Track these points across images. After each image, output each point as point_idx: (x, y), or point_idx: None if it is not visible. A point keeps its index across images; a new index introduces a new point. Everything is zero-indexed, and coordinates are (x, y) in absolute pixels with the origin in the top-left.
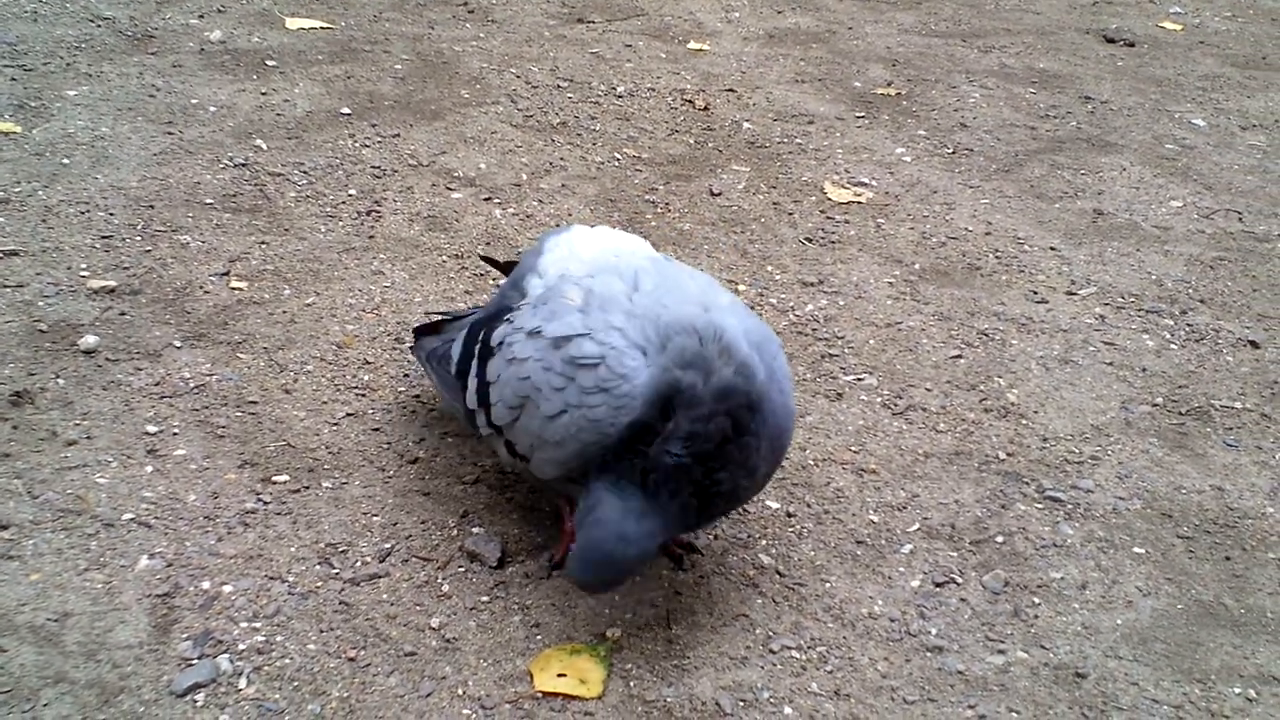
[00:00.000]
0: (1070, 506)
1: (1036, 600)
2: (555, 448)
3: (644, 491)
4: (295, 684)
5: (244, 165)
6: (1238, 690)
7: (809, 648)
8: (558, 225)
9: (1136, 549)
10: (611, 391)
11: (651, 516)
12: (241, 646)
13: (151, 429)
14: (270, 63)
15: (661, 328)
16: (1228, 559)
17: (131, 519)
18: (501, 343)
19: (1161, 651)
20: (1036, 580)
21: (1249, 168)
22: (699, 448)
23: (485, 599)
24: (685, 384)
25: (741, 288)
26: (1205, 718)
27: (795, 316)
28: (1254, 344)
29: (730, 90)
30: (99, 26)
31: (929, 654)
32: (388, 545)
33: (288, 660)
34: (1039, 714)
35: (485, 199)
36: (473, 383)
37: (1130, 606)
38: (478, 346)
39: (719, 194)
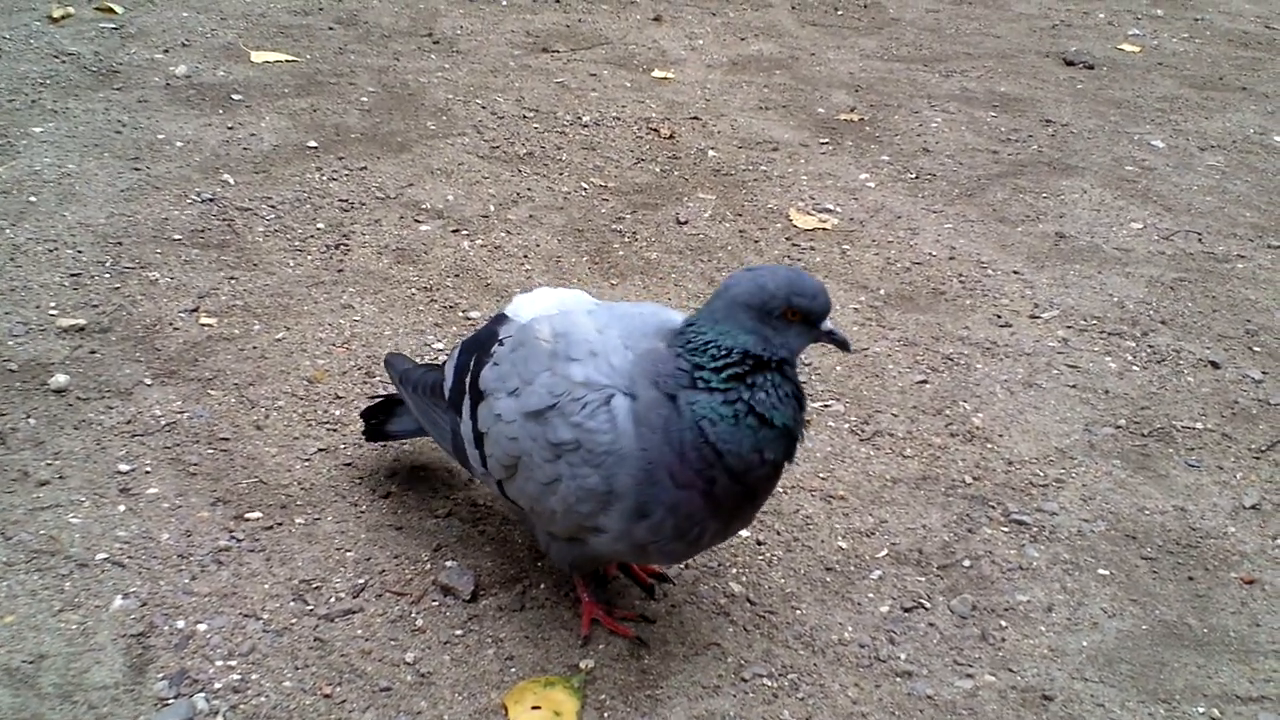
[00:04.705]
0: (1035, 529)
1: (1004, 623)
2: (561, 518)
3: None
4: None
5: (211, 200)
6: (1201, 710)
7: (780, 675)
8: (525, 256)
9: (1101, 570)
10: (601, 465)
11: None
12: (217, 685)
13: (124, 468)
14: (236, 97)
15: (630, 345)
16: (1191, 579)
17: (105, 559)
18: (487, 391)
19: (1127, 672)
20: (1003, 603)
21: (1208, 188)
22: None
23: (459, 632)
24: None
25: None
26: None
27: None
28: (1214, 364)
29: (695, 118)
30: (64, 63)
31: (898, 679)
32: (361, 580)
33: (263, 698)
34: None
35: (453, 231)
36: (468, 422)
37: (1096, 628)
38: (468, 379)
39: (685, 222)
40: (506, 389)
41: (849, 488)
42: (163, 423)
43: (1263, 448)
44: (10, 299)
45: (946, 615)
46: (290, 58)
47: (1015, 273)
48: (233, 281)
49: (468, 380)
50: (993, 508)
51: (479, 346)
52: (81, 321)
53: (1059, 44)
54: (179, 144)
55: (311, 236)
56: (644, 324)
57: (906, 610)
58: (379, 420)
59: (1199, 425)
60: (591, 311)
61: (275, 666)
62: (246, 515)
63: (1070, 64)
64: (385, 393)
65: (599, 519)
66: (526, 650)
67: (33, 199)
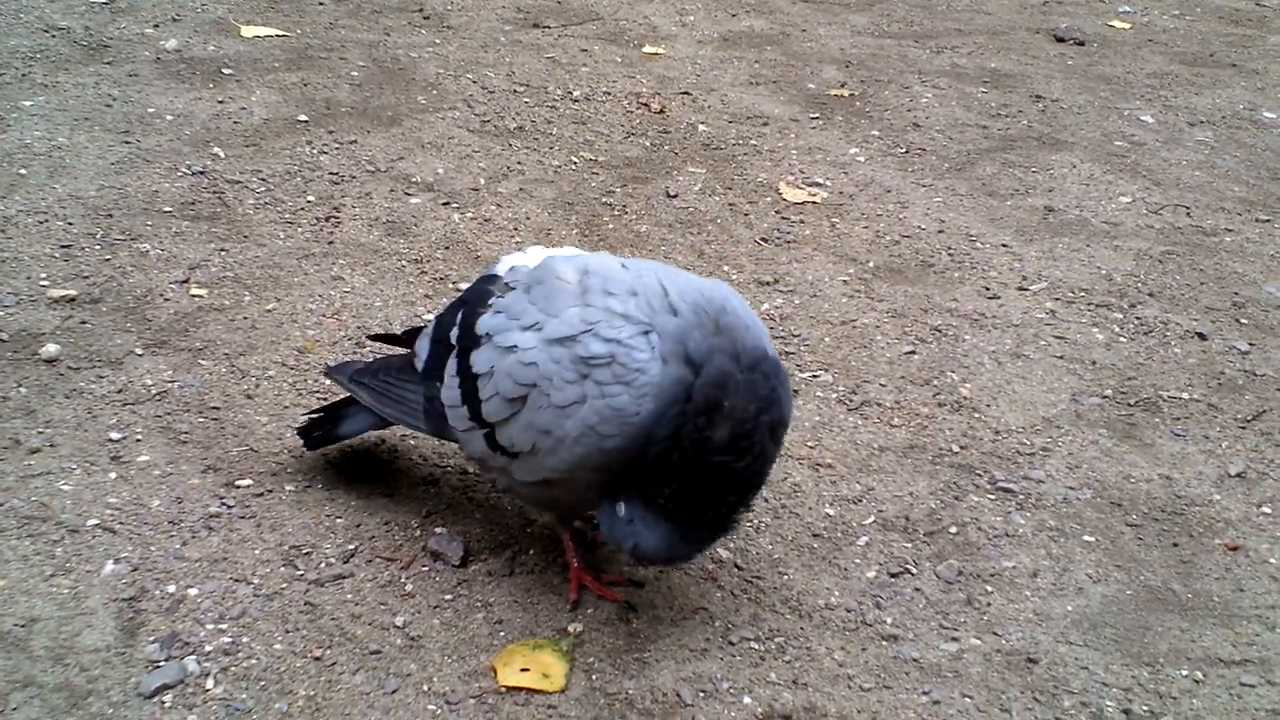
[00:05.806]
0: (1022, 497)
1: (989, 588)
2: (569, 446)
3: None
4: (262, 684)
5: (202, 173)
6: (1185, 672)
7: (767, 639)
8: (515, 228)
9: (1087, 537)
10: (632, 384)
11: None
12: (208, 648)
13: (114, 436)
14: (226, 71)
15: (670, 301)
16: (1175, 546)
17: (96, 525)
18: (492, 333)
19: (1111, 636)
20: (989, 569)
21: (1196, 163)
22: (739, 428)
23: (449, 597)
24: (713, 374)
25: None
26: (1154, 699)
27: None
28: (1201, 336)
29: (685, 93)
30: (54, 37)
31: (884, 642)
32: (351, 546)
33: (254, 661)
34: (992, 699)
35: (443, 204)
36: (452, 379)
37: (1081, 593)
38: (455, 332)
39: (675, 196)
40: (521, 325)
41: (837, 456)
42: (153, 392)
43: (1248, 417)
44: (1, 270)
45: (932, 580)
46: (280, 32)
47: (1004, 245)
48: (223, 253)
49: (454, 334)
50: (979, 475)
51: (465, 305)
52: (72, 292)
53: (1050, 20)
54: (169, 117)
55: (302, 209)
56: (692, 286)
57: (893, 575)
58: (323, 431)
59: (1185, 395)
60: (621, 261)
61: (266, 630)
62: (237, 482)
63: (1061, 40)
64: (320, 405)
65: (610, 443)
66: (515, 614)
67: (23, 171)
